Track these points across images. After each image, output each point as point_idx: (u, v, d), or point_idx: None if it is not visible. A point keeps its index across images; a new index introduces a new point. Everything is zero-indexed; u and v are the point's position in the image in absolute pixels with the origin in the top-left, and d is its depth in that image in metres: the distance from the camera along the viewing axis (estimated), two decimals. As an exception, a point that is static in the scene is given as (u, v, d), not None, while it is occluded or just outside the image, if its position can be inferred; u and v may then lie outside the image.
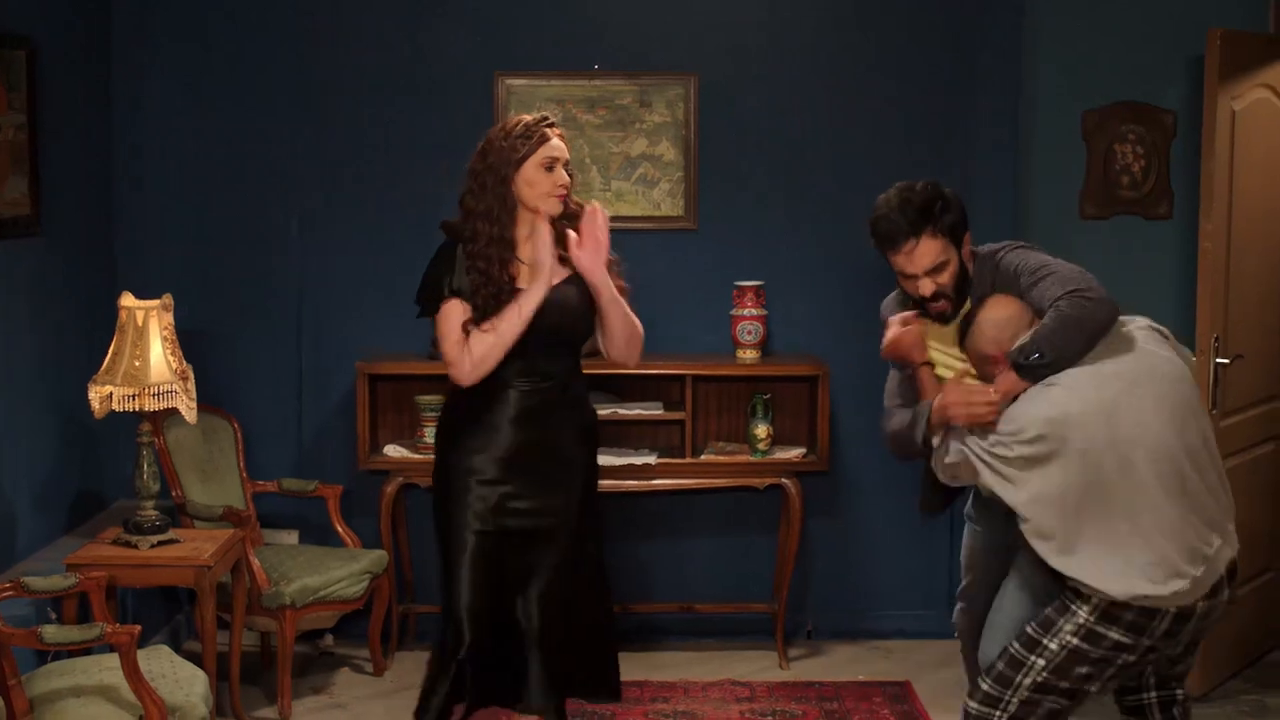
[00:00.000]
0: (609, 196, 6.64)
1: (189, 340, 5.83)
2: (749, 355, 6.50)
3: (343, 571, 6.01)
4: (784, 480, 6.41)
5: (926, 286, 4.43)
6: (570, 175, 4.54)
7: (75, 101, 6.17)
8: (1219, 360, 5.94)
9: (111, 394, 5.32)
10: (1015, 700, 4.25)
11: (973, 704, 4.32)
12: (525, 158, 4.45)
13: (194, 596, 5.60)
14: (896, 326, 4.54)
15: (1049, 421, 4.12)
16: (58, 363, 5.91)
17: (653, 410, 6.49)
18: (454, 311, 4.45)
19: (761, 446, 6.43)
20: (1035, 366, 4.18)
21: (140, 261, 6.54)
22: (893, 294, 4.74)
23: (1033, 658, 4.21)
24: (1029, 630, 4.25)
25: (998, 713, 4.27)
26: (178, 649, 6.03)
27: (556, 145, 4.50)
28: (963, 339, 4.42)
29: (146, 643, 5.44)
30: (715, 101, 6.66)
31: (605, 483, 6.34)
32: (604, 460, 6.33)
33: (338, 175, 6.66)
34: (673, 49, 6.67)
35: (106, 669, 4.74)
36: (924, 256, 4.40)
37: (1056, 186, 6.60)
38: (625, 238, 6.63)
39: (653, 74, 6.65)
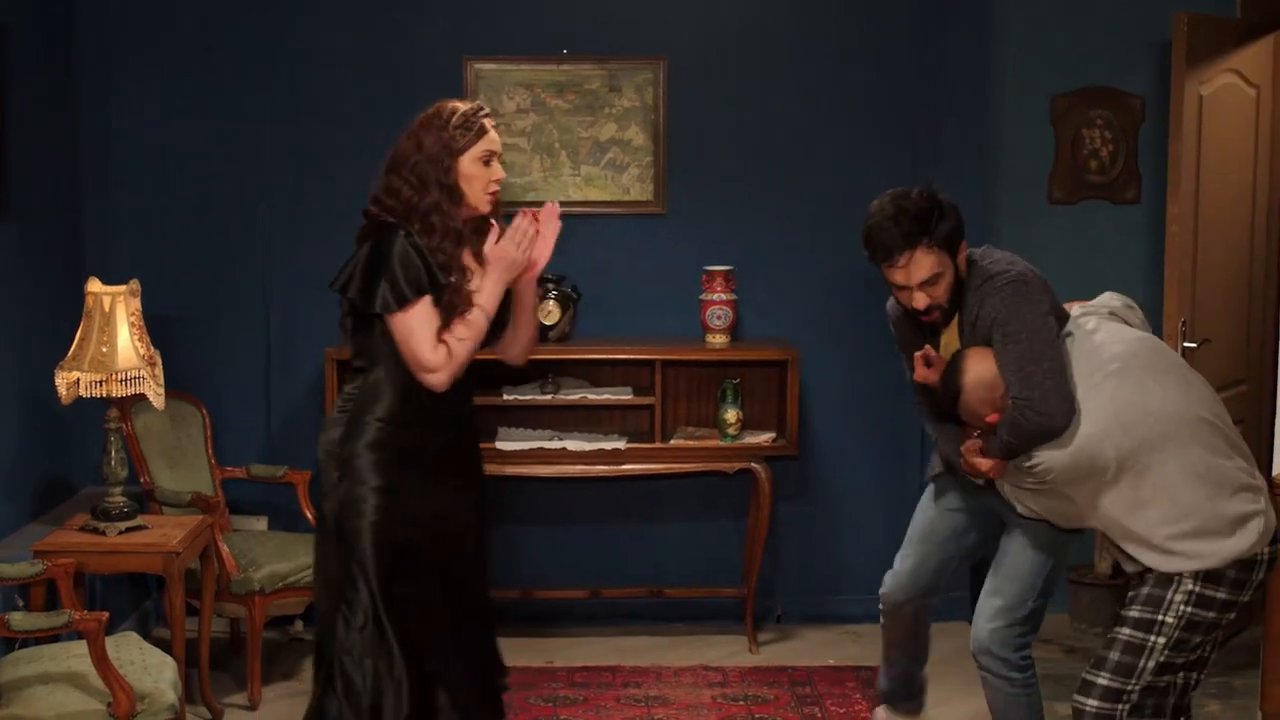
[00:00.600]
0: (578, 181, 6.64)
1: (157, 326, 5.80)
2: (718, 340, 6.50)
3: (312, 557, 5.99)
4: (753, 465, 6.41)
5: (920, 300, 4.36)
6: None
7: (42, 85, 6.13)
8: (1186, 344, 5.97)
9: (79, 380, 5.29)
10: (1139, 687, 4.18)
11: (1091, 702, 4.20)
12: (464, 150, 4.20)
13: (162, 583, 5.57)
14: (923, 368, 4.48)
15: (1071, 455, 4.18)
16: (24, 348, 5.87)
17: (622, 395, 6.49)
18: (428, 309, 4.15)
19: (731, 431, 6.44)
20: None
21: (108, 247, 6.50)
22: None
23: (1152, 638, 4.16)
24: (1136, 613, 4.19)
25: (1121, 706, 4.18)
26: (146, 636, 6.00)
27: (494, 138, 4.26)
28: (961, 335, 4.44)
29: (115, 630, 5.42)
30: (684, 86, 6.65)
31: (575, 468, 6.38)
32: (574, 445, 6.36)
33: (306, 160, 6.63)
34: (641, 33, 6.66)
35: (74, 656, 4.72)
36: (919, 270, 4.31)
37: (1024, 171, 6.62)
38: (594, 223, 6.69)
39: (621, 58, 6.64)
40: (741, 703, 5.87)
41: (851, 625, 6.78)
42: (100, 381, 5.28)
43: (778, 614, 6.82)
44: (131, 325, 5.38)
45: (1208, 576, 4.13)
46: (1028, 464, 4.24)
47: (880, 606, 5.01)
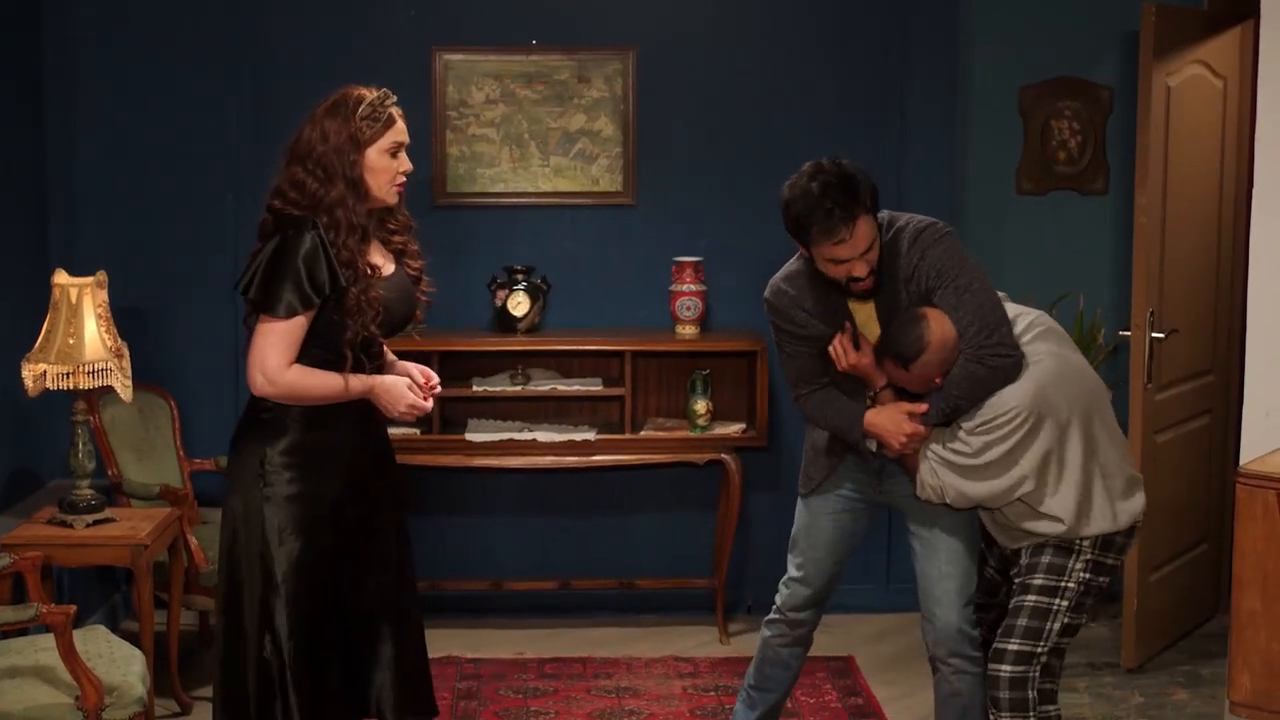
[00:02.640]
0: (547, 172, 6.63)
1: (124, 317, 5.77)
2: (688, 331, 6.50)
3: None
4: (723, 456, 6.42)
5: (862, 268, 4.27)
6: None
7: (5, 74, 6.09)
8: (1154, 335, 5.99)
9: (45, 372, 5.26)
10: (1047, 648, 4.37)
11: (1005, 667, 4.35)
12: (371, 141, 4.00)
13: (131, 576, 5.56)
14: (849, 353, 4.37)
15: (1030, 396, 4.24)
16: (-10, 341, 5.85)
17: (592, 386, 6.49)
18: (302, 327, 3.94)
19: (701, 422, 6.44)
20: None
21: (73, 238, 6.47)
22: (789, 276, 4.54)
23: (1056, 601, 4.35)
24: (1040, 580, 4.36)
25: (1032, 668, 4.36)
26: (115, 629, 5.98)
27: (402, 128, 4.07)
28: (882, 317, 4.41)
29: (83, 623, 5.40)
30: (654, 76, 6.65)
31: (545, 459, 6.38)
32: (544, 436, 6.35)
33: (274, 149, 6.55)
34: (610, 23, 6.65)
35: (42, 650, 4.69)
36: (862, 239, 4.22)
37: (993, 162, 6.64)
38: (564, 214, 6.69)
39: (591, 49, 6.63)
40: (712, 693, 5.88)
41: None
42: (67, 374, 5.25)
43: (748, 604, 6.83)
44: (98, 317, 5.36)
45: (1104, 544, 4.36)
46: (978, 421, 4.26)
47: (775, 619, 4.81)
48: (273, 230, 4.01)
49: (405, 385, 4.12)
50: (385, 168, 4.04)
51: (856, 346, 4.39)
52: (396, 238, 4.21)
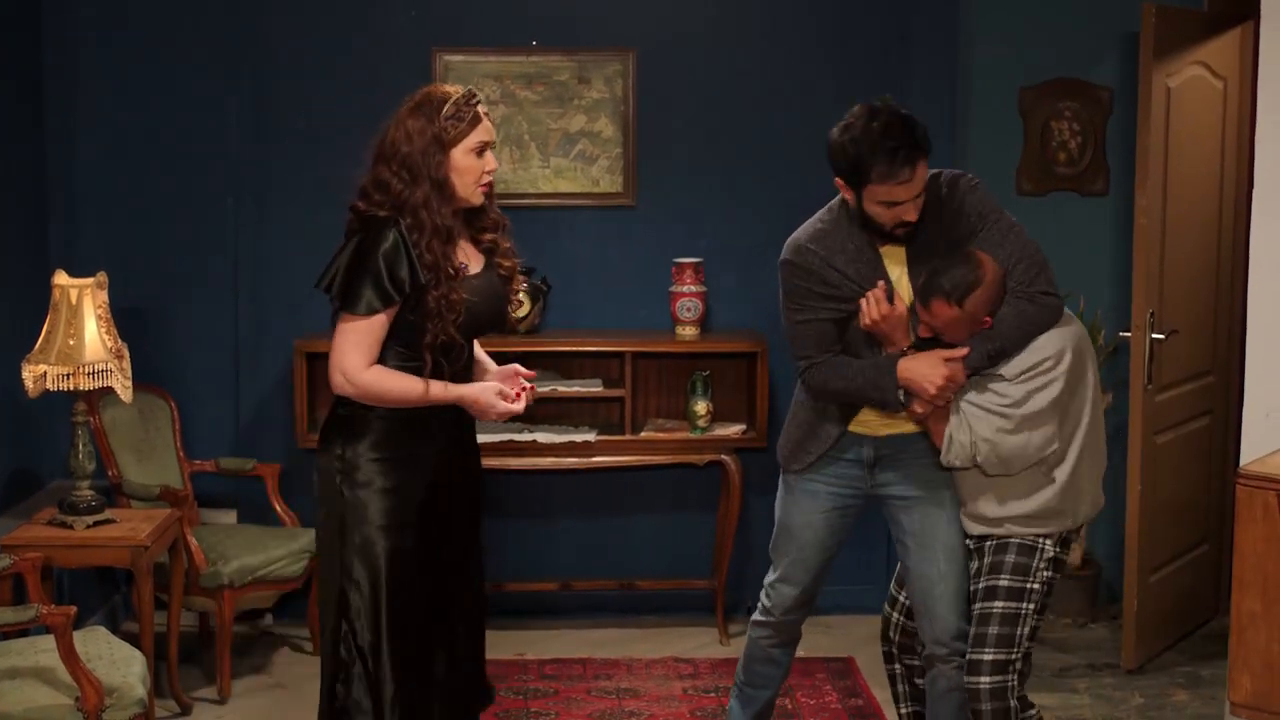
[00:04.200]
0: (547, 173, 6.63)
1: (124, 318, 5.78)
2: (688, 332, 6.50)
3: (281, 551, 5.98)
4: (724, 457, 6.42)
5: (913, 212, 4.19)
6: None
7: (6, 74, 6.09)
8: (1154, 335, 5.99)
9: (45, 373, 5.27)
10: (1020, 654, 4.35)
11: (984, 679, 4.30)
12: (456, 141, 3.99)
13: (131, 577, 5.56)
14: (882, 305, 4.23)
15: (1075, 338, 4.29)
16: (-10, 342, 5.85)
17: (592, 387, 6.49)
18: (383, 324, 3.95)
19: (701, 423, 6.44)
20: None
21: (73, 238, 6.47)
22: (816, 237, 4.37)
23: (1024, 605, 4.33)
24: (1007, 583, 4.33)
25: (1010, 676, 4.33)
26: (115, 630, 5.98)
27: (488, 126, 4.06)
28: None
29: (83, 624, 5.40)
30: (654, 77, 6.65)
31: (545, 460, 6.38)
32: (545, 438, 6.36)
33: (274, 151, 6.61)
34: (611, 25, 6.65)
35: (42, 651, 4.70)
36: (919, 181, 4.15)
37: (993, 163, 6.62)
38: (564, 215, 6.69)
39: (591, 49, 6.63)
40: (712, 694, 5.88)
41: (821, 616, 6.76)
42: (67, 374, 5.26)
43: (748, 606, 6.80)
44: (99, 318, 5.36)
45: (1063, 541, 4.39)
46: (1022, 368, 4.22)
47: (763, 621, 4.74)
48: (356, 230, 4.01)
49: (494, 393, 4.06)
50: (470, 167, 4.02)
51: (891, 301, 4.25)
52: (486, 235, 4.17)
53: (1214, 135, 6.37)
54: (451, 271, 3.97)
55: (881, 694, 5.87)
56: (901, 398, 4.28)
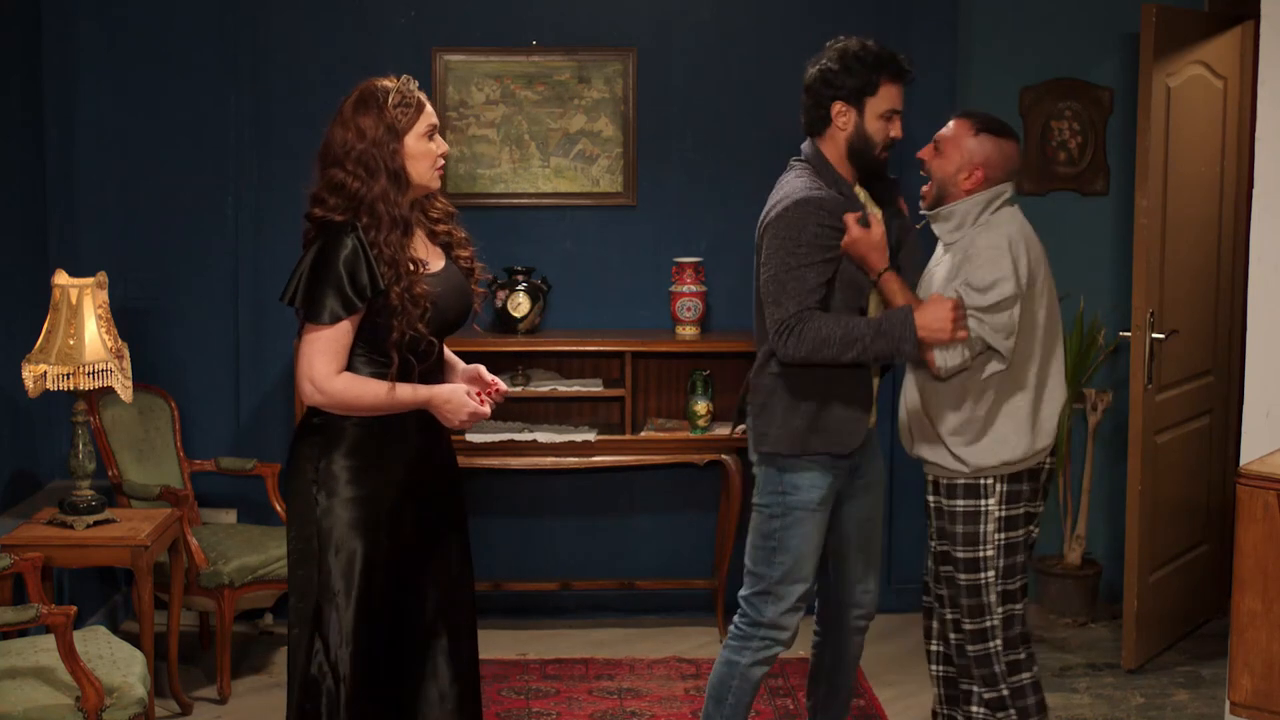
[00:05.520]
0: (547, 173, 6.63)
1: (124, 318, 5.78)
2: (688, 332, 6.50)
3: (281, 550, 5.96)
4: (724, 456, 6.42)
5: (900, 128, 4.58)
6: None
7: (6, 74, 6.09)
8: (1154, 335, 5.99)
9: (46, 373, 5.26)
10: (997, 620, 4.52)
11: (970, 647, 4.56)
12: (409, 128, 3.97)
13: (131, 577, 5.55)
14: (857, 227, 4.35)
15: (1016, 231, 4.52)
16: (-10, 342, 5.85)
17: (592, 387, 6.49)
18: (348, 332, 3.92)
19: (701, 423, 6.44)
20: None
21: (73, 238, 6.47)
22: (817, 189, 4.49)
23: (984, 575, 4.51)
24: (961, 554, 4.52)
25: (991, 643, 4.53)
26: (115, 630, 5.99)
27: (431, 111, 4.04)
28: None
29: (83, 624, 5.41)
30: (654, 77, 6.65)
31: (545, 460, 6.38)
32: (545, 437, 6.36)
33: (274, 150, 6.61)
34: (610, 24, 6.65)
35: (42, 650, 4.70)
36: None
37: (994, 163, 6.62)
38: (564, 214, 6.69)
39: (591, 49, 6.63)
40: (712, 694, 5.87)
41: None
42: (68, 374, 5.26)
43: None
44: (99, 317, 5.36)
45: (1009, 495, 4.48)
46: (978, 269, 4.41)
47: (770, 655, 4.68)
48: (314, 238, 4.00)
49: (464, 394, 4.03)
50: (425, 152, 4.00)
51: (866, 225, 4.40)
52: (441, 227, 4.16)
53: (1214, 135, 6.37)
54: (411, 266, 3.94)
55: (882, 693, 5.88)
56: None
